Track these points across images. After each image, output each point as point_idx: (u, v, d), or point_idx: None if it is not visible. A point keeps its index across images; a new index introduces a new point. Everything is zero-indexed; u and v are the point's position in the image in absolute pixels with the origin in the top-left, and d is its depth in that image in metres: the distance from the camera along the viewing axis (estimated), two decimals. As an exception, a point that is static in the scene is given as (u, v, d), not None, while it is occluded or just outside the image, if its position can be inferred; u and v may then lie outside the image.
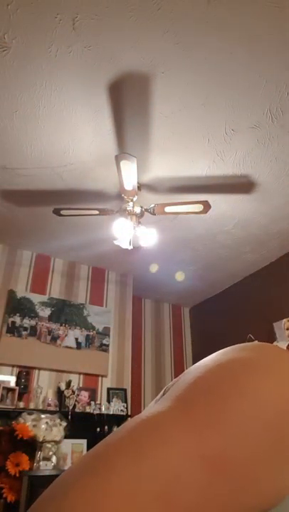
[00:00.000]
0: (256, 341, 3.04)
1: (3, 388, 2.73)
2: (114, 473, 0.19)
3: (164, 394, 0.27)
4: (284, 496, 0.21)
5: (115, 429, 2.99)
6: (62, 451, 2.64)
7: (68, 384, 3.05)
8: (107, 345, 3.51)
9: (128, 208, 2.49)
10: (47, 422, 2.55)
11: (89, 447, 2.82)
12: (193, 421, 0.21)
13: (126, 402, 3.32)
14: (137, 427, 0.22)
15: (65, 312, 3.45)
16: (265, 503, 0.21)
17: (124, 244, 2.54)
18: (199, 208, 2.51)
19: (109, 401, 3.24)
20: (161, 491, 0.18)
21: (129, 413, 3.26)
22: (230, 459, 0.20)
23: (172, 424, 0.21)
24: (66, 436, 2.64)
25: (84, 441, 2.85)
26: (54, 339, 3.27)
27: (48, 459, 2.45)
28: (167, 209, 2.53)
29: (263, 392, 0.22)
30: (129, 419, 3.13)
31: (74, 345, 3.34)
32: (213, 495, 0.19)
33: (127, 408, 3.25)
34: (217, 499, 0.19)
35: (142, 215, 2.55)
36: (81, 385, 3.22)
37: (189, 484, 0.19)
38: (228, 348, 0.27)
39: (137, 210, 2.51)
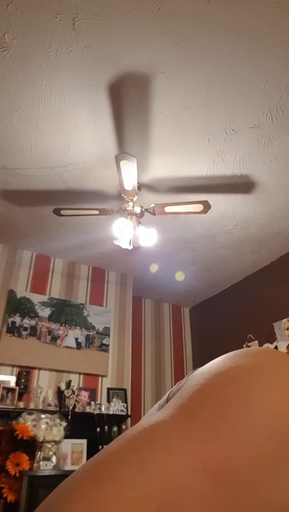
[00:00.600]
0: (256, 342, 3.03)
1: (3, 388, 2.73)
2: (115, 482, 0.19)
3: (167, 399, 0.27)
4: (286, 503, 0.21)
5: (115, 429, 3.01)
6: (62, 451, 2.64)
7: (68, 384, 3.05)
8: (107, 345, 3.51)
9: (128, 208, 2.49)
10: (47, 422, 2.55)
11: (89, 447, 2.82)
12: (197, 429, 0.21)
13: (126, 402, 3.32)
14: (139, 435, 0.22)
15: (65, 312, 3.45)
16: (266, 508, 0.21)
17: (124, 244, 2.54)
18: (199, 207, 2.51)
19: (109, 401, 3.24)
20: (163, 500, 0.18)
21: (129, 413, 3.27)
22: (234, 467, 0.20)
23: (175, 432, 0.21)
24: (66, 436, 2.64)
25: (84, 441, 2.85)
26: (54, 339, 3.27)
27: (48, 459, 2.45)
28: (167, 209, 2.53)
29: (267, 400, 0.22)
30: (129, 419, 3.14)
31: (74, 345, 3.34)
32: (216, 503, 0.19)
33: (127, 408, 3.25)
34: (219, 507, 0.19)
35: (142, 215, 2.55)
36: (81, 385, 3.22)
37: (192, 493, 0.19)
38: (232, 352, 0.27)
39: (137, 210, 2.51)
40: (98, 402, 3.19)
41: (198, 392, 0.24)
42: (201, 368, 0.27)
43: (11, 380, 2.88)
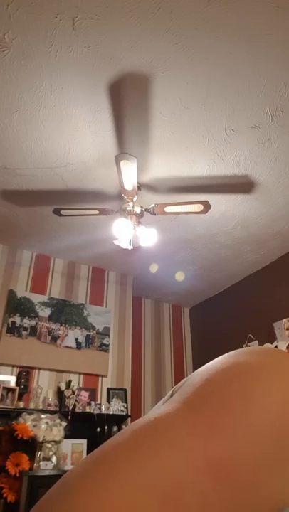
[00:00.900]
0: (256, 342, 3.02)
1: (3, 388, 2.73)
2: (115, 479, 0.19)
3: (172, 395, 0.27)
4: (285, 502, 0.21)
5: (115, 429, 3.01)
6: (62, 451, 2.64)
7: (68, 384, 3.05)
8: (107, 345, 3.51)
9: (128, 208, 2.49)
10: (47, 422, 2.55)
11: (89, 447, 2.83)
12: (200, 425, 0.21)
13: (126, 402, 3.32)
14: (141, 430, 0.22)
15: (65, 312, 3.45)
16: (266, 507, 0.21)
17: (124, 244, 2.54)
18: (199, 207, 2.51)
19: (109, 401, 3.24)
20: (164, 497, 0.18)
21: (129, 413, 3.27)
22: (236, 466, 0.20)
23: (179, 426, 0.21)
24: (66, 436, 2.64)
25: (84, 441, 2.85)
26: (54, 339, 3.27)
27: (48, 459, 2.45)
28: (167, 209, 2.53)
29: (267, 400, 0.22)
30: (129, 419, 3.13)
31: (74, 345, 3.34)
32: (217, 500, 0.19)
33: (127, 408, 3.25)
34: (220, 505, 0.19)
35: (142, 215, 2.55)
36: (81, 385, 3.22)
37: (193, 490, 0.19)
38: (235, 351, 0.27)
39: (137, 210, 2.51)
40: (98, 402, 3.19)
41: (201, 387, 0.24)
42: (204, 365, 0.27)
43: (11, 380, 2.88)
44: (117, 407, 3.18)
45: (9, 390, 2.77)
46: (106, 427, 3.00)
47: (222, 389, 0.23)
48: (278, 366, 0.24)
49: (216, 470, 0.20)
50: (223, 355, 0.27)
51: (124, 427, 3.15)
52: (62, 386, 3.06)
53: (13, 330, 3.11)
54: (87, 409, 3.05)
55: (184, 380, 0.27)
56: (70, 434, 2.68)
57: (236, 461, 0.20)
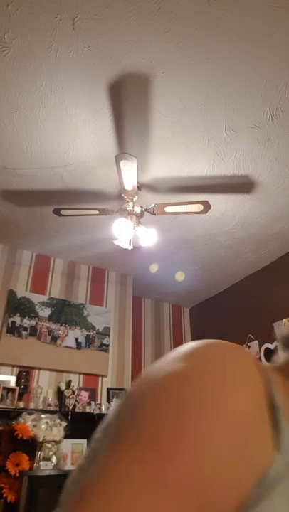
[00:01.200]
0: (256, 342, 2.99)
1: (3, 388, 2.72)
2: None
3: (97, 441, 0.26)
4: (248, 487, 0.22)
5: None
6: (62, 451, 2.64)
7: (68, 384, 3.05)
8: (107, 345, 3.51)
9: (128, 208, 2.49)
10: (47, 422, 2.55)
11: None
12: (149, 458, 0.22)
13: (126, 402, 3.31)
14: (86, 489, 0.22)
15: (65, 312, 3.45)
16: (237, 495, 0.22)
17: (124, 244, 2.54)
18: (199, 207, 2.51)
19: (109, 401, 3.24)
20: None
21: (129, 413, 3.26)
22: (201, 479, 0.21)
23: (123, 478, 0.22)
24: (66, 436, 2.64)
25: (84, 441, 2.85)
26: (54, 339, 3.27)
27: (48, 459, 2.45)
28: (167, 209, 2.53)
29: (212, 407, 0.23)
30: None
31: (74, 345, 3.34)
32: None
33: (127, 408, 3.25)
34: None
35: (142, 215, 2.55)
36: (81, 385, 3.22)
37: None
38: (169, 356, 0.27)
39: (137, 210, 2.51)
40: (98, 402, 3.19)
41: (132, 421, 0.25)
42: (139, 379, 0.27)
43: (11, 380, 2.88)
44: (117, 407, 3.17)
45: (9, 390, 2.77)
46: (106, 427, 2.99)
47: (163, 414, 0.24)
48: (218, 374, 0.24)
49: (182, 489, 0.21)
50: (157, 364, 0.27)
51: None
52: (62, 386, 3.06)
53: (13, 330, 3.11)
54: (87, 409, 3.05)
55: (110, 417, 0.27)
56: (70, 434, 2.67)
57: (202, 475, 0.21)
